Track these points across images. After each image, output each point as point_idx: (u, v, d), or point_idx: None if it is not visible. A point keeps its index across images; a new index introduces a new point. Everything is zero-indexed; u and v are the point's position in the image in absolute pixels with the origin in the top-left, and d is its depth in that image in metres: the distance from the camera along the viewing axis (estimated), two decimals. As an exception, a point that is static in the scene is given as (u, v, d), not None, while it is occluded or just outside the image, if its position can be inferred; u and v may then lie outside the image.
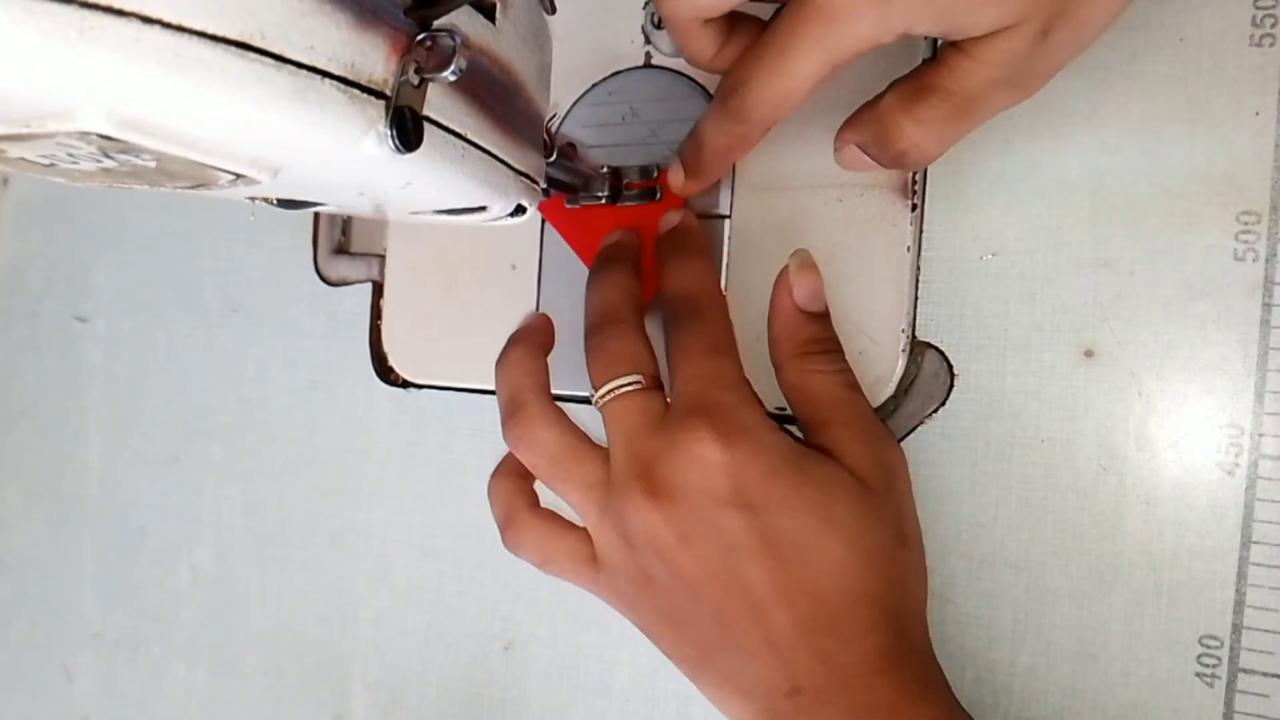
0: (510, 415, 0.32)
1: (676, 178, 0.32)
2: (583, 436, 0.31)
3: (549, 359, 0.34)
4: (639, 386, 0.30)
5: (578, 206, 0.35)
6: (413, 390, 0.42)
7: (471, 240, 0.40)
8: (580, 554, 0.31)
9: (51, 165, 0.19)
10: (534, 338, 0.34)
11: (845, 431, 0.30)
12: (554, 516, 0.33)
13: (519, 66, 0.26)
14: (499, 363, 0.33)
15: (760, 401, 0.30)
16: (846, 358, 0.32)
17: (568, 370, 0.38)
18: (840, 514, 0.28)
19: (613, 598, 0.31)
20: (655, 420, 0.29)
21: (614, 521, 0.29)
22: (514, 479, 0.34)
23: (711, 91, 0.35)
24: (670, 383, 0.30)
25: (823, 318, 0.32)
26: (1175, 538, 0.29)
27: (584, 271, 0.37)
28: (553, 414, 0.31)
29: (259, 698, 0.46)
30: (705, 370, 0.29)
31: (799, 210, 0.34)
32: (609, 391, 0.30)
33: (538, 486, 0.34)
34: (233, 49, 0.17)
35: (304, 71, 0.18)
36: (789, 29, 0.26)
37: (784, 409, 0.34)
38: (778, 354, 0.32)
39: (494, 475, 0.34)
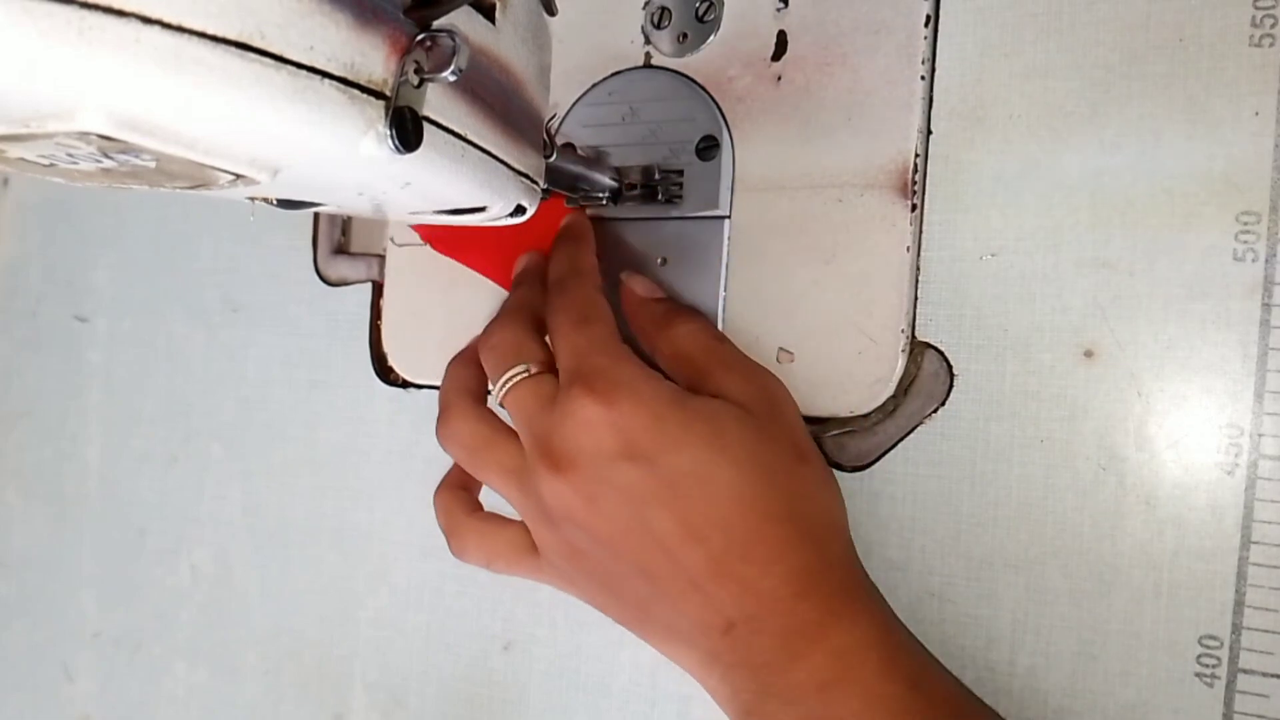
0: (438, 418, 0.34)
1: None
2: (499, 426, 0.33)
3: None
4: (527, 374, 0.31)
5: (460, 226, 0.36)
6: (413, 390, 0.42)
7: (471, 240, 0.40)
8: (520, 543, 0.33)
9: (51, 165, 0.19)
10: (470, 351, 0.36)
11: (723, 373, 0.31)
12: (493, 516, 0.34)
13: (519, 66, 0.26)
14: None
15: (637, 357, 0.31)
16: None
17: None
18: (731, 442, 0.29)
19: (554, 579, 0.33)
20: (547, 399, 0.30)
21: (534, 501, 0.31)
22: (453, 490, 0.35)
23: (711, 91, 0.35)
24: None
25: (664, 297, 0.35)
26: (1175, 538, 0.29)
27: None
28: (471, 409, 0.33)
29: (259, 698, 0.46)
30: (576, 341, 0.31)
31: (799, 210, 0.34)
32: (502, 386, 0.32)
33: (487, 496, 0.35)
34: (232, 49, 0.17)
35: (304, 71, 0.18)
36: None
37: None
38: (645, 337, 0.34)
39: (436, 491, 0.36)
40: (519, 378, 0.31)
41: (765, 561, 0.28)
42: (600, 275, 0.34)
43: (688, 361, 0.32)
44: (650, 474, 0.28)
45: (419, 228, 0.38)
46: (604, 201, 0.36)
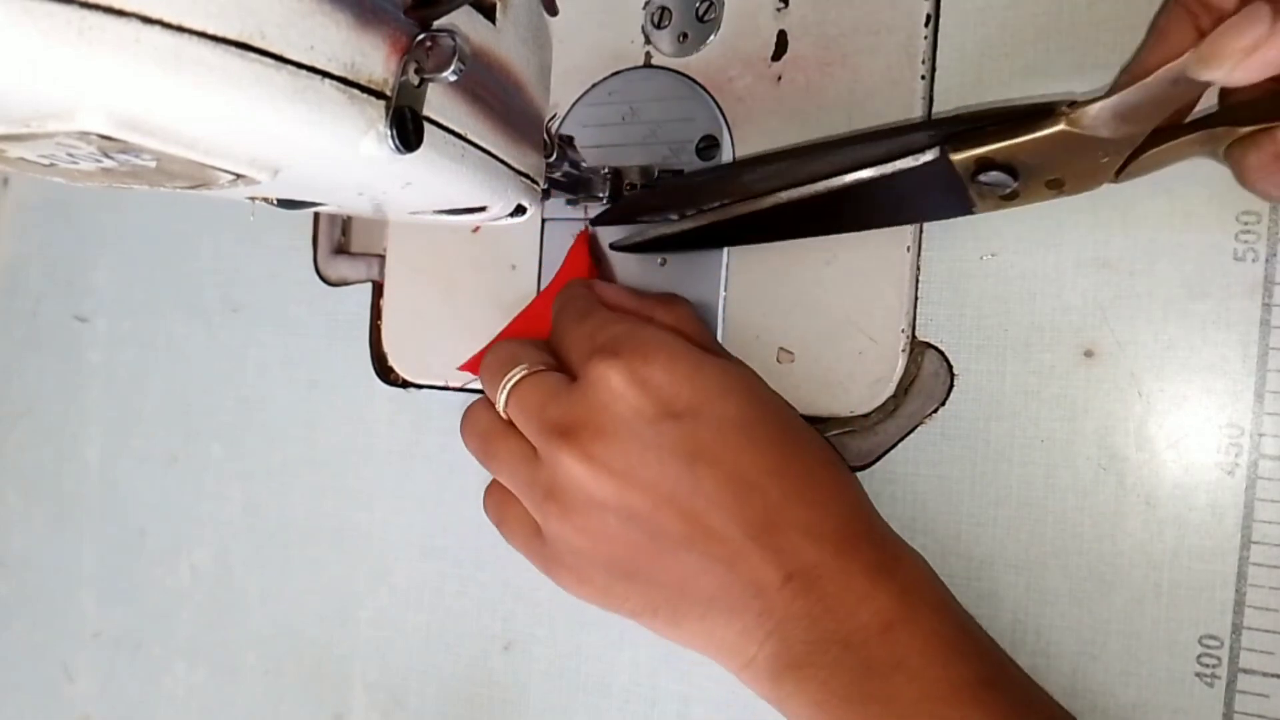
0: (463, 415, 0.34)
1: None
2: (509, 422, 0.32)
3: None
4: (525, 372, 0.30)
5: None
6: (413, 390, 0.42)
7: (471, 240, 0.40)
8: (528, 522, 0.31)
9: (51, 165, 0.19)
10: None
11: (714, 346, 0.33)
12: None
13: (519, 66, 0.26)
14: None
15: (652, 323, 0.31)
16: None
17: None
18: (765, 392, 0.30)
19: (561, 573, 0.31)
20: (556, 388, 0.29)
21: (545, 492, 0.29)
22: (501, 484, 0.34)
23: (711, 91, 0.35)
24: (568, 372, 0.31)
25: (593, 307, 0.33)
26: (1175, 538, 0.29)
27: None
28: (488, 403, 0.33)
29: (259, 698, 0.46)
30: (581, 330, 0.30)
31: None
32: (501, 392, 0.31)
33: None
34: (233, 49, 0.17)
35: (304, 71, 0.18)
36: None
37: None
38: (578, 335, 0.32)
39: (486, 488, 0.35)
40: (517, 378, 0.30)
41: (824, 503, 0.28)
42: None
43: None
44: (697, 428, 0.27)
45: (464, 368, 0.39)
46: (604, 201, 0.36)
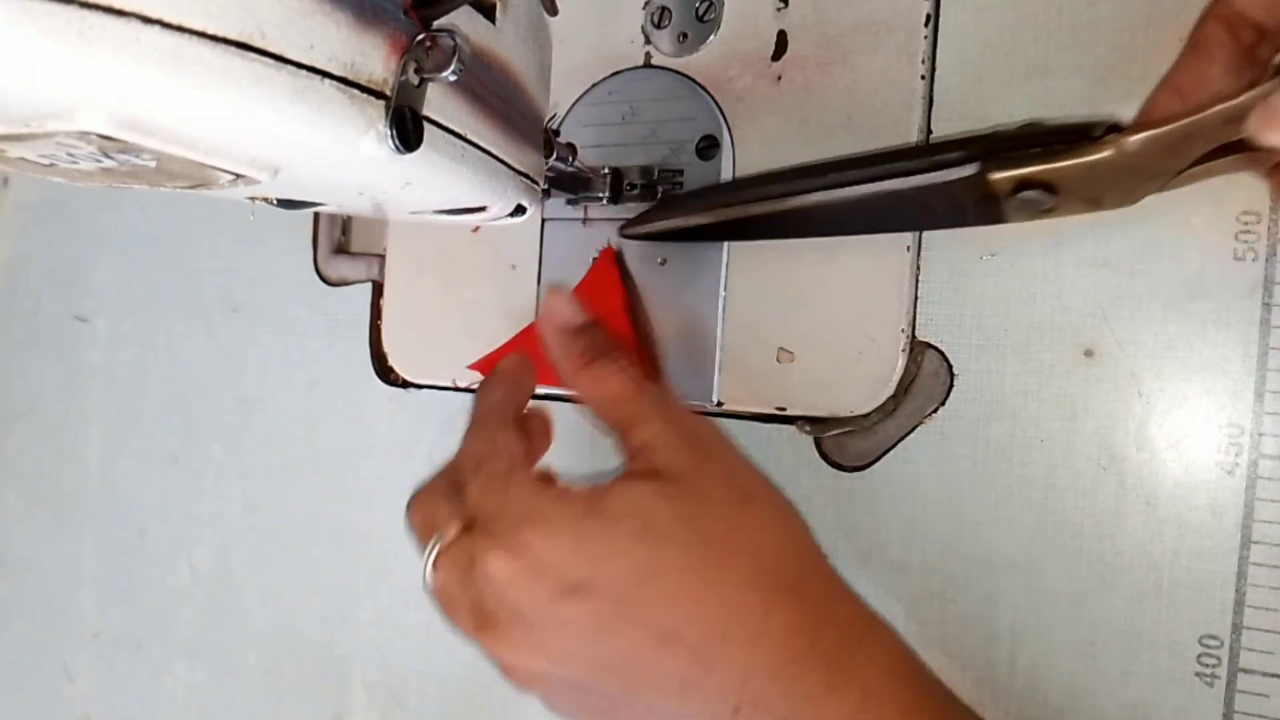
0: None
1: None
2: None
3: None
4: (438, 544, 0.28)
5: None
6: (413, 390, 0.42)
7: (471, 240, 0.40)
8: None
9: (51, 165, 0.19)
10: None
11: (643, 424, 0.29)
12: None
13: (519, 66, 0.26)
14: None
15: (533, 482, 0.28)
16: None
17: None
18: (665, 526, 0.27)
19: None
20: (464, 571, 0.28)
21: (499, 666, 0.29)
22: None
23: (711, 91, 0.35)
24: None
25: (589, 327, 0.31)
26: (1175, 538, 0.29)
27: (581, 273, 0.37)
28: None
29: (259, 698, 0.46)
30: (472, 491, 0.29)
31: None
32: (425, 565, 0.29)
33: None
34: (233, 49, 0.17)
35: (304, 71, 0.18)
36: None
37: (783, 409, 0.34)
38: (566, 376, 0.31)
39: None
40: (433, 554, 0.28)
41: (750, 635, 0.26)
42: (510, 411, 0.32)
43: (611, 405, 0.30)
44: (596, 600, 0.26)
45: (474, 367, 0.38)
46: (604, 201, 0.36)
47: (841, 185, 0.30)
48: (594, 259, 0.37)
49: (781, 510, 0.29)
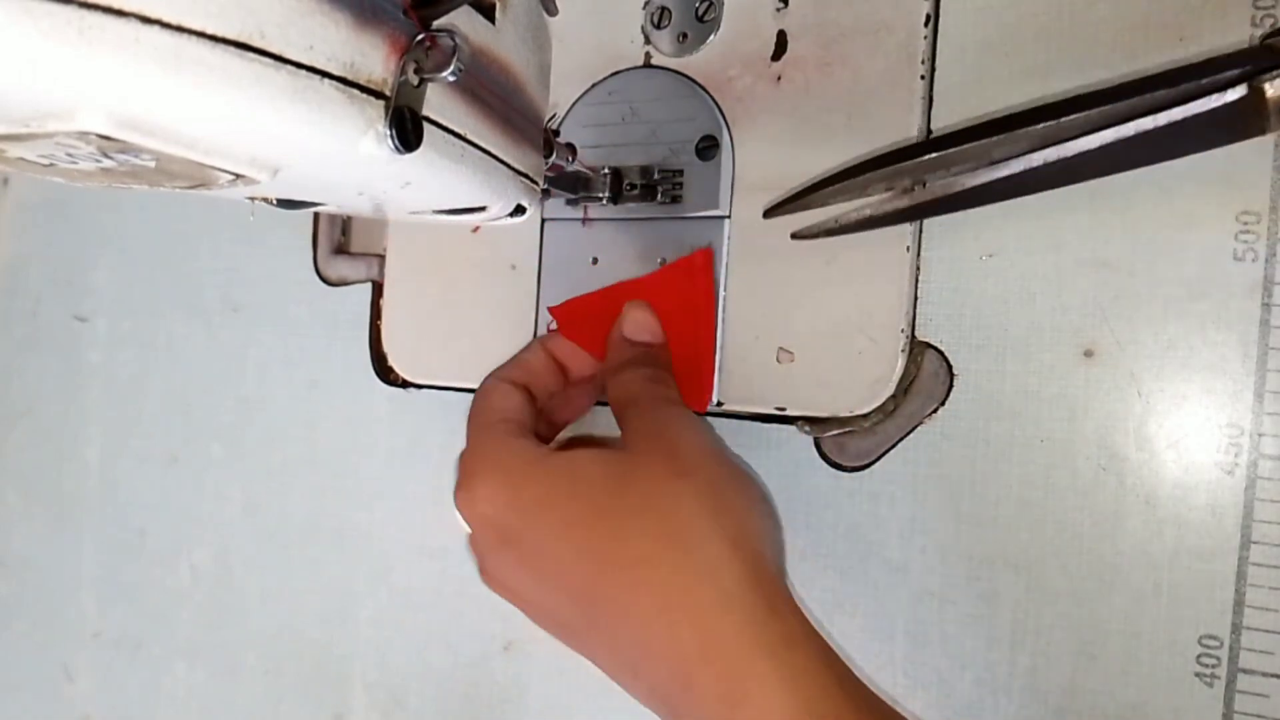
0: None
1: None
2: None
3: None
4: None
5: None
6: (413, 390, 0.42)
7: (471, 240, 0.40)
8: None
9: (51, 165, 0.19)
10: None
11: (632, 412, 0.31)
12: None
13: (519, 66, 0.26)
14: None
15: (505, 425, 0.32)
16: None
17: (568, 370, 0.38)
18: (591, 480, 0.28)
19: None
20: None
21: None
22: None
23: (711, 91, 0.35)
24: None
25: (647, 345, 0.34)
26: (1175, 538, 0.29)
27: (581, 274, 0.37)
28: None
29: (259, 698, 0.46)
30: (468, 429, 0.33)
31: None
32: None
33: None
34: (232, 49, 0.17)
35: (303, 71, 0.18)
36: None
37: (783, 409, 0.34)
38: (604, 374, 0.34)
39: None
40: None
41: (654, 616, 0.25)
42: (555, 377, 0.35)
43: (625, 402, 0.32)
44: (524, 550, 0.28)
45: (553, 311, 0.37)
46: (603, 201, 0.36)
47: (1073, 135, 0.26)
48: (691, 251, 0.35)
49: (719, 488, 0.28)
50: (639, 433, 0.30)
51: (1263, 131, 0.26)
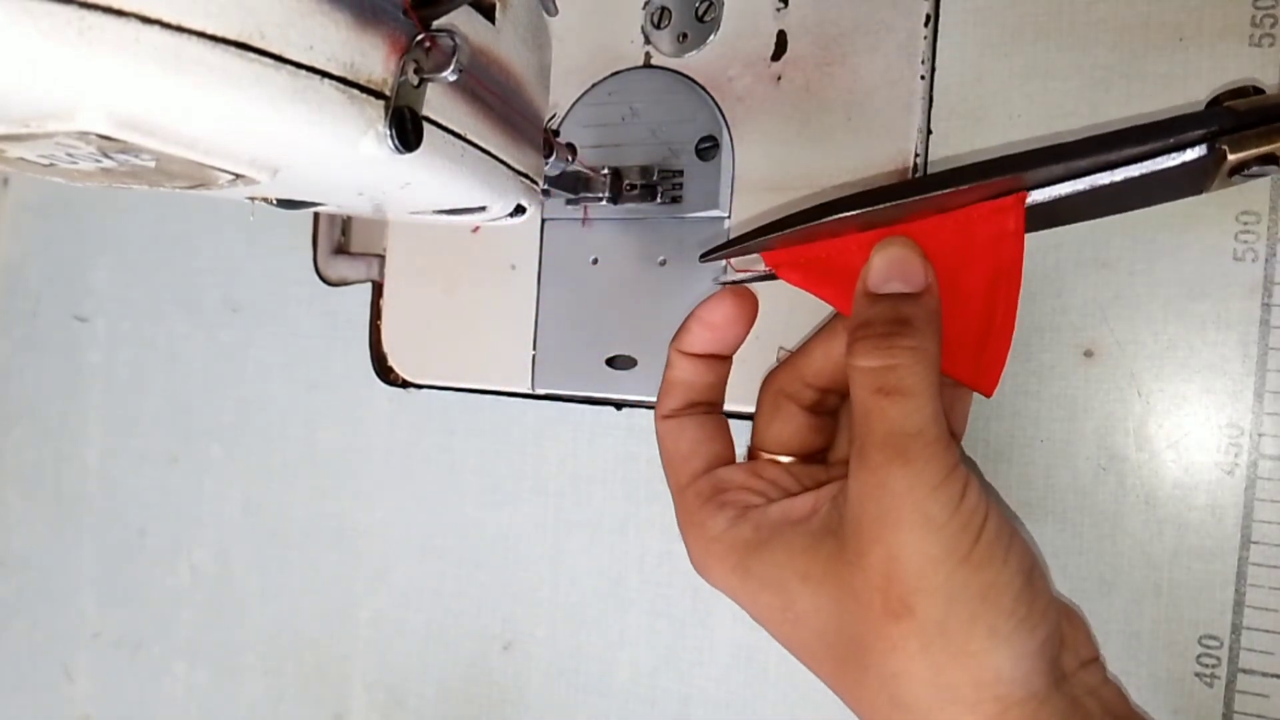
0: None
1: None
2: None
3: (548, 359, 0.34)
4: None
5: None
6: (413, 390, 0.42)
7: (471, 240, 0.40)
8: None
9: (51, 165, 0.19)
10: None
11: (864, 456, 0.23)
12: None
13: (519, 66, 0.26)
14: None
15: (698, 496, 0.27)
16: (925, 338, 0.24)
17: (562, 370, 0.38)
18: (801, 612, 0.24)
19: None
20: None
21: None
22: None
23: (711, 91, 0.35)
24: None
25: (890, 300, 0.25)
26: (1175, 538, 0.29)
27: (581, 274, 0.37)
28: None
29: (259, 698, 0.46)
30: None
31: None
32: None
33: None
34: (232, 49, 0.17)
35: (303, 71, 0.18)
36: None
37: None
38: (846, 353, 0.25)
39: None
40: None
41: None
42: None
43: (855, 415, 0.24)
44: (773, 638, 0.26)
45: (766, 256, 0.29)
46: (603, 201, 0.36)
47: (1037, 185, 0.26)
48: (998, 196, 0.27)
49: (956, 636, 0.22)
50: (858, 522, 0.23)
51: (1199, 192, 0.26)
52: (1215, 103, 0.28)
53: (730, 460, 0.28)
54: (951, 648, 0.22)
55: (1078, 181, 0.26)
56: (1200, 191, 0.26)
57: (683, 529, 0.28)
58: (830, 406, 0.28)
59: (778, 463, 0.28)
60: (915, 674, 0.22)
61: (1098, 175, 0.25)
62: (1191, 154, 0.25)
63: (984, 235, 0.26)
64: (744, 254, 0.28)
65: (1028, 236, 0.27)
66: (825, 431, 0.28)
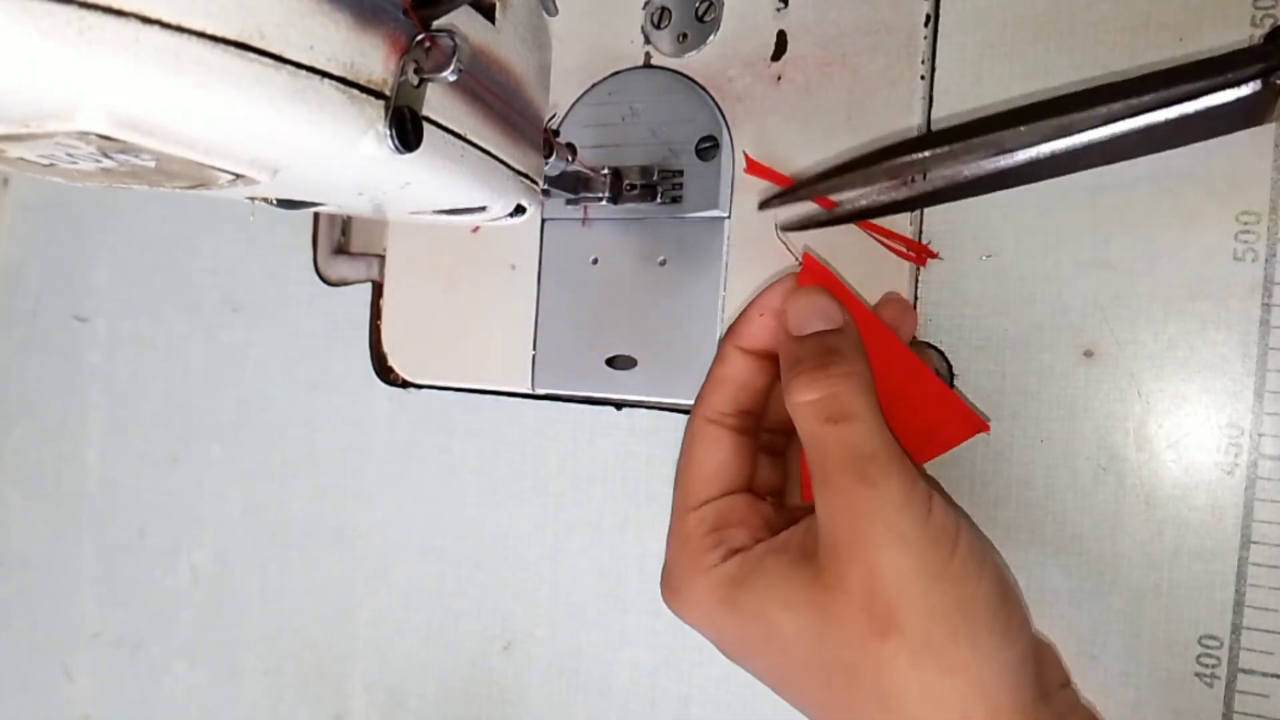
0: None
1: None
2: None
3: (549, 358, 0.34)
4: None
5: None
6: (413, 390, 0.42)
7: (471, 240, 0.40)
8: None
9: (51, 165, 0.19)
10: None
11: (826, 483, 0.24)
12: None
13: (519, 66, 0.26)
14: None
15: (687, 535, 0.27)
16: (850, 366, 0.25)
17: (562, 370, 0.38)
18: (786, 638, 0.24)
19: None
20: None
21: None
22: None
23: (711, 91, 0.35)
24: None
25: (817, 335, 0.26)
26: (1175, 538, 0.29)
27: (581, 274, 0.37)
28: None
29: (259, 698, 0.46)
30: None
31: (799, 210, 0.33)
32: None
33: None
34: (232, 49, 0.17)
35: (303, 71, 0.18)
36: None
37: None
38: (785, 394, 0.26)
39: None
40: None
41: None
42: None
43: (805, 447, 0.25)
44: (750, 670, 0.26)
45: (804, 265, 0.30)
46: (603, 201, 0.36)
47: (1085, 128, 0.26)
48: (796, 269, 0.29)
49: (944, 649, 0.22)
50: (833, 546, 0.23)
51: (1261, 122, 0.26)
52: (1272, 37, 0.28)
53: (745, 487, 0.28)
54: (939, 662, 0.22)
55: (1133, 120, 0.26)
56: (1260, 123, 0.26)
57: (674, 547, 0.28)
58: (779, 448, 0.29)
59: (767, 500, 0.28)
60: (907, 691, 0.22)
61: (1153, 113, 0.26)
62: (1247, 89, 0.25)
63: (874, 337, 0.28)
64: (805, 198, 0.28)
65: (1027, 236, 0.27)
66: (780, 471, 0.29)
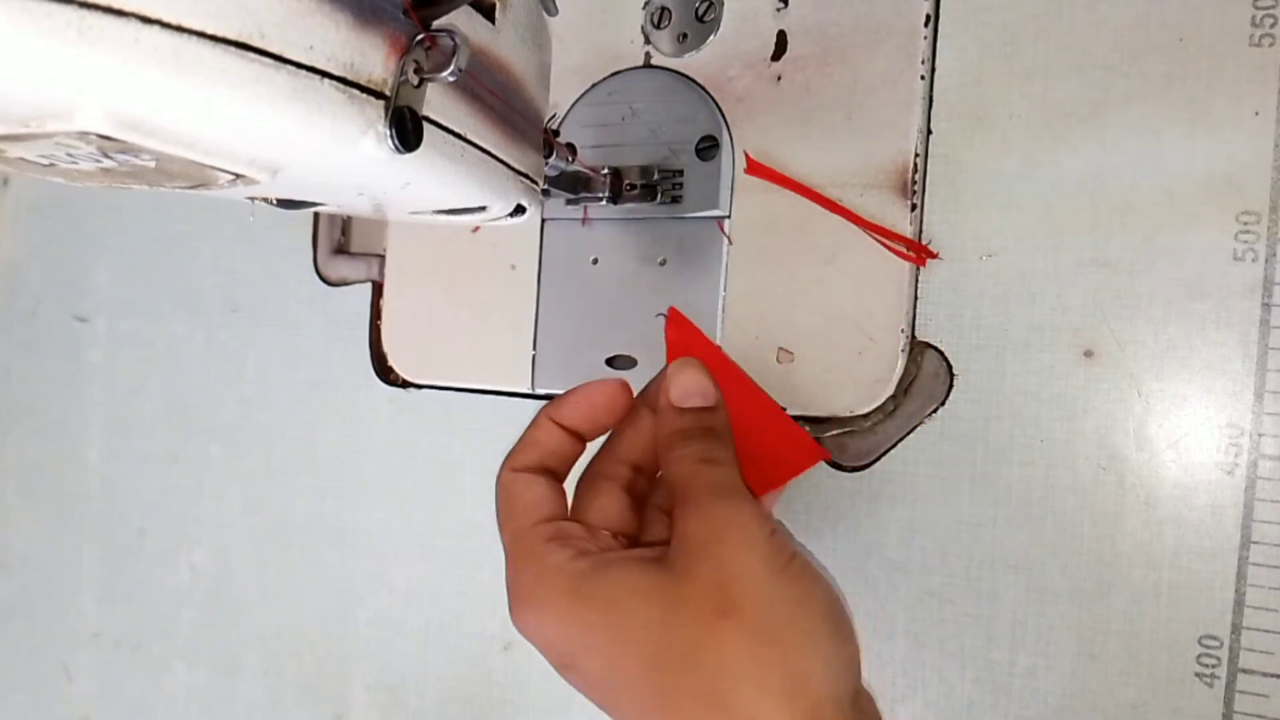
0: None
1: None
2: None
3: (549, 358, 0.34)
4: None
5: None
6: (413, 390, 0.42)
7: (471, 240, 0.40)
8: None
9: (51, 165, 0.19)
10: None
11: (686, 504, 0.27)
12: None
13: (519, 66, 0.26)
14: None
15: (540, 542, 0.28)
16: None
17: (562, 370, 0.38)
18: (631, 625, 0.25)
19: None
20: None
21: None
22: None
23: (711, 91, 0.35)
24: None
25: (695, 412, 0.29)
26: (1175, 538, 0.29)
27: (581, 274, 0.37)
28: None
29: (259, 698, 0.46)
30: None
31: (799, 210, 0.34)
32: None
33: None
34: (232, 49, 0.17)
35: (303, 71, 0.18)
36: None
37: (783, 409, 0.34)
38: (658, 448, 0.29)
39: None
40: None
41: None
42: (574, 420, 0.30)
43: (672, 485, 0.28)
44: (583, 679, 0.27)
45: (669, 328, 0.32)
46: (603, 201, 0.36)
47: None
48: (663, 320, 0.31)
49: (765, 628, 0.25)
50: (686, 546, 0.26)
51: None
52: None
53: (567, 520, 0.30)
54: (772, 643, 0.24)
55: None
56: None
57: (514, 568, 0.28)
58: (640, 490, 0.30)
59: (607, 531, 0.30)
60: (739, 667, 0.24)
61: None
62: None
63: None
64: None
65: (1027, 236, 0.26)
66: (638, 513, 0.30)
